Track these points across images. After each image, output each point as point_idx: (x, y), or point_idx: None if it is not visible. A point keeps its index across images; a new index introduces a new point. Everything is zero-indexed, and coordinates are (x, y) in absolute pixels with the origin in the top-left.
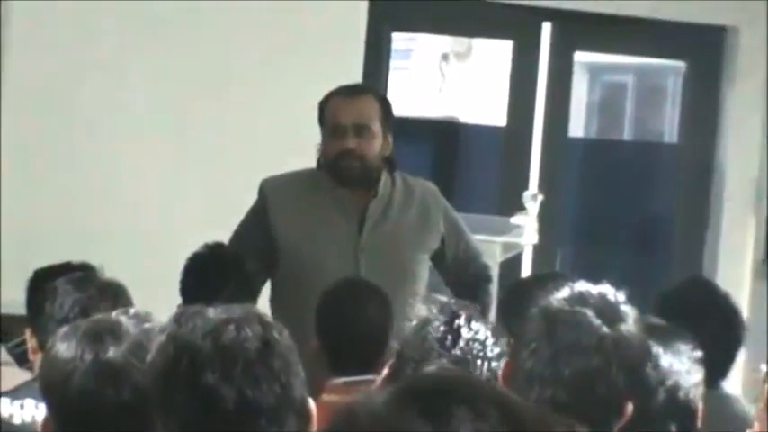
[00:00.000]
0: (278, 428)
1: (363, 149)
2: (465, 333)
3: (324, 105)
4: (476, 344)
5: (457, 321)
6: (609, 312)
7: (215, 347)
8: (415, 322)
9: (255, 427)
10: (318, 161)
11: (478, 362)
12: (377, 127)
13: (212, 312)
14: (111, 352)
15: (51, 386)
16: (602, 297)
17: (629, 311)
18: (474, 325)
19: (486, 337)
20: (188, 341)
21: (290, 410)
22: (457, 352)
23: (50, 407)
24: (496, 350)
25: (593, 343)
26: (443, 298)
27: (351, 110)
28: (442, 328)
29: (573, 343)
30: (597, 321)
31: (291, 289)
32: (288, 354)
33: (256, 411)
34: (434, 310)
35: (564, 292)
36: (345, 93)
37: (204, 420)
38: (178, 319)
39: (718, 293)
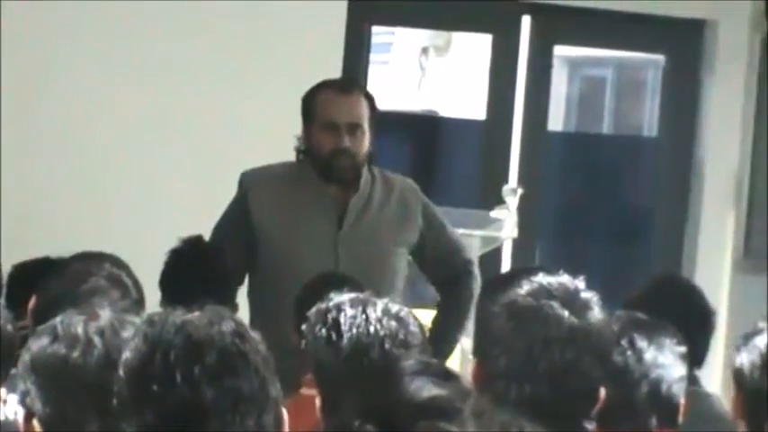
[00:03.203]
0: (256, 421)
1: (356, 148)
2: (345, 315)
3: (312, 99)
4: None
5: (329, 315)
6: (575, 303)
7: (188, 341)
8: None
9: (235, 416)
10: (299, 152)
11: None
12: (366, 125)
13: (184, 313)
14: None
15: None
16: (566, 288)
17: (592, 298)
18: (347, 309)
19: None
20: (160, 337)
21: (268, 404)
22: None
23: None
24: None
25: (565, 335)
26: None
27: (344, 108)
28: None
29: (545, 337)
30: (565, 313)
31: (271, 282)
32: (263, 351)
33: (234, 399)
34: (312, 320)
35: (527, 287)
36: (337, 89)
37: (183, 410)
38: (150, 319)
39: (685, 288)
